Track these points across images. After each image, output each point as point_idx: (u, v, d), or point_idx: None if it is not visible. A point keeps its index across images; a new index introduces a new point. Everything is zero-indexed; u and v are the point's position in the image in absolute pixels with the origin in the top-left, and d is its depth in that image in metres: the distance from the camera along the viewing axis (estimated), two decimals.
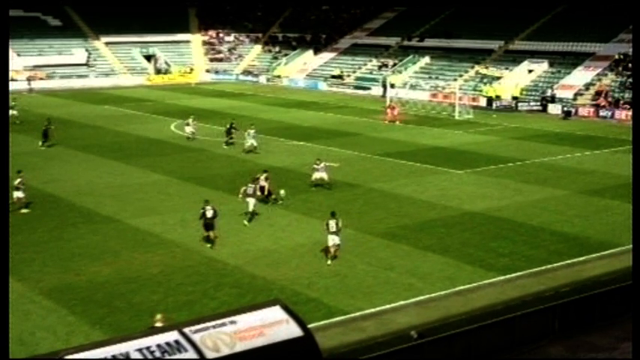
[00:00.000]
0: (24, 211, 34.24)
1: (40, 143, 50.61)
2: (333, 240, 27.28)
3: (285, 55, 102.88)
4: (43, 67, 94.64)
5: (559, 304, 21.25)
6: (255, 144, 48.06)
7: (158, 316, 19.82)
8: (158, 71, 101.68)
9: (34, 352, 20.50)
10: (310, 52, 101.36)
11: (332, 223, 27.20)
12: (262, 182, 34.67)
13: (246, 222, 32.31)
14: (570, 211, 34.43)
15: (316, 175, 37.91)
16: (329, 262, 27.30)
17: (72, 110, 71.26)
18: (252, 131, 48.22)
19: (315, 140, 53.76)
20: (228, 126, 51.06)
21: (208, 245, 29.44)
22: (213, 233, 29.56)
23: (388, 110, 64.41)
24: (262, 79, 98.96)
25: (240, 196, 32.87)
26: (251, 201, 32.43)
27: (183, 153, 49.60)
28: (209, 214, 29.26)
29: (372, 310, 23.27)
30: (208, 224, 29.46)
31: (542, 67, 78.40)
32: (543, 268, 26.81)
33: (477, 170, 43.55)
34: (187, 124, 54.19)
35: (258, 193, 33.68)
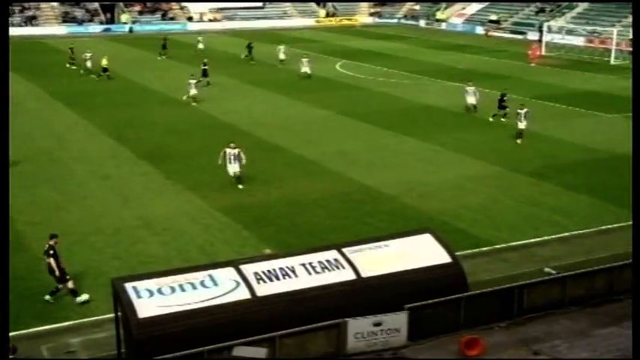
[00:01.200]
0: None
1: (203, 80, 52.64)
2: (233, 169, 29.55)
3: None
4: (225, 9, 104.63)
5: None
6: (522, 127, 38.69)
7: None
8: (327, 14, 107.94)
9: (213, 260, 21.69)
10: None
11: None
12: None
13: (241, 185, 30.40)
14: None
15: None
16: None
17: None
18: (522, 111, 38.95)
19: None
20: (499, 97, 43.81)
21: (240, 186, 29.94)
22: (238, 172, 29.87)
23: (530, 52, 67.91)
24: (422, 22, 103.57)
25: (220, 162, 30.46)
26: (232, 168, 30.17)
27: (346, 90, 53.27)
28: (232, 156, 29.57)
29: (516, 242, 24.75)
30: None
31: None
32: None
33: (628, 115, 43.00)
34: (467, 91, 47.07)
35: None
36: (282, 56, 65.18)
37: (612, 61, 67.52)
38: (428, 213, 27.24)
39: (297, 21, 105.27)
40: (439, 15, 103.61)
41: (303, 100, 49.10)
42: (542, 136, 39.00)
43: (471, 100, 43.89)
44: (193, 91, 46.88)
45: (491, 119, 41.34)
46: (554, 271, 21.92)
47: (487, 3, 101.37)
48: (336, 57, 69.28)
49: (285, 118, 43.51)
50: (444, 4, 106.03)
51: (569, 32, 79.44)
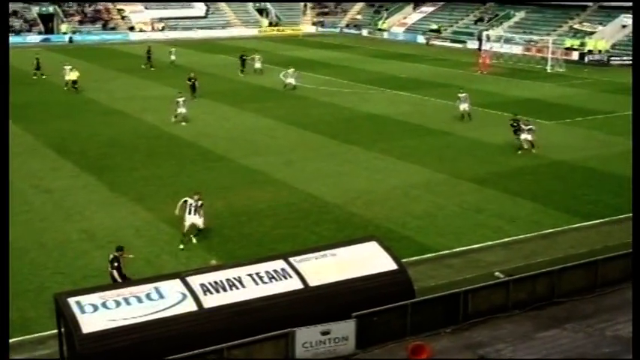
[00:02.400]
0: None
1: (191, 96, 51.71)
2: (193, 220, 25.07)
3: (387, 9, 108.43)
4: (167, 19, 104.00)
5: None
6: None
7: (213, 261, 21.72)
8: (269, 24, 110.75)
9: (160, 272, 21.54)
10: (410, 6, 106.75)
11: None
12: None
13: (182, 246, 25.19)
14: None
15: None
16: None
17: (192, 59, 74.42)
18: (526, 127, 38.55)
19: (411, 90, 56.90)
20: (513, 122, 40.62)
21: (194, 240, 25.43)
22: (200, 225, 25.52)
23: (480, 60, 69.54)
24: (364, 32, 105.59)
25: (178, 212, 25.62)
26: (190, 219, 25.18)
27: (291, 100, 53.44)
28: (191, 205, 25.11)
29: (461, 248, 25.05)
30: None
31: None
32: (627, 215, 26.69)
33: (566, 122, 45.61)
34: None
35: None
36: (257, 65, 65.69)
37: (549, 69, 69.34)
38: (374, 221, 27.39)
39: (240, 30, 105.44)
40: (381, 24, 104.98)
41: (248, 109, 48.98)
42: (484, 143, 39.59)
43: (464, 106, 44.80)
44: (182, 110, 44.33)
45: (519, 152, 37.87)
46: (502, 275, 22.16)
47: (432, 9, 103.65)
48: (280, 66, 69.04)
49: (231, 129, 43.36)
50: (385, 14, 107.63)
51: (508, 41, 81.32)
